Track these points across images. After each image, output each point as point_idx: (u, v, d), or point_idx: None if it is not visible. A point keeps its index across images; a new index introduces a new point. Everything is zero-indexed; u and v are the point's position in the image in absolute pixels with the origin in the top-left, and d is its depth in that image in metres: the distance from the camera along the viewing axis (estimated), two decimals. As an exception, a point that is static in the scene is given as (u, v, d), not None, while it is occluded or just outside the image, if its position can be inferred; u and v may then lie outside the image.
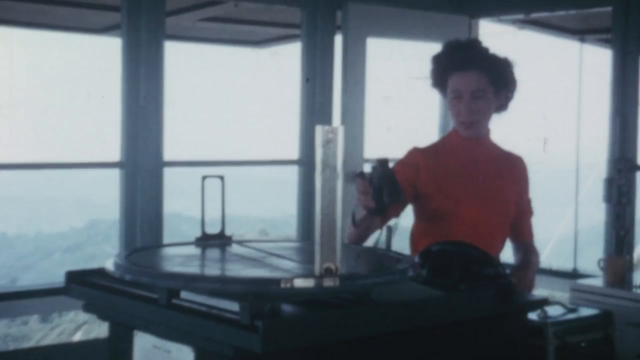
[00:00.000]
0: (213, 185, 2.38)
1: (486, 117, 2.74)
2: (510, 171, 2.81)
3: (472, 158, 2.76)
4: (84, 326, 13.08)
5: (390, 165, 2.18)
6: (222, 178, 2.32)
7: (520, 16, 5.12)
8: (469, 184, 2.72)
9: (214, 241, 2.32)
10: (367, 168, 2.16)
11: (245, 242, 2.39)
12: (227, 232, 2.38)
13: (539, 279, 3.01)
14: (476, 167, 2.75)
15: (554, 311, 2.67)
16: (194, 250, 2.25)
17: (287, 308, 1.81)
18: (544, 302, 2.21)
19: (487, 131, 2.80)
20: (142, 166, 3.97)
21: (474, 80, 2.67)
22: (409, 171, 2.71)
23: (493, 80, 2.70)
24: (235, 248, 2.32)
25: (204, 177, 2.30)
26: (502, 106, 2.78)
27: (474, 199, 2.69)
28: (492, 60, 2.72)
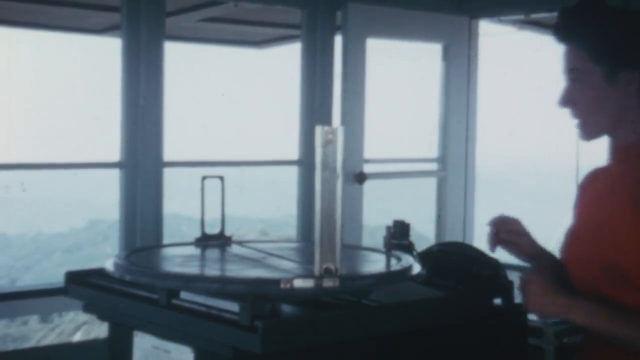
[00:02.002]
0: (213, 185, 2.38)
1: (593, 110, 1.90)
2: None
3: (609, 181, 1.95)
4: (83, 326, 13.09)
5: None
6: (221, 178, 2.32)
7: (521, 16, 5.12)
8: (583, 222, 2.00)
9: (214, 242, 2.32)
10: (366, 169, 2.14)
11: (244, 242, 2.39)
12: (227, 233, 2.38)
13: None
14: (609, 196, 1.92)
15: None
16: (193, 250, 2.25)
17: (286, 308, 1.81)
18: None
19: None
20: (142, 166, 3.97)
21: (569, 56, 1.94)
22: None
23: (597, 56, 1.88)
24: (235, 248, 2.32)
25: (203, 178, 2.30)
26: None
27: (577, 242, 1.99)
28: (603, 27, 1.91)
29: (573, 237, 1.99)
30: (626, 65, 1.86)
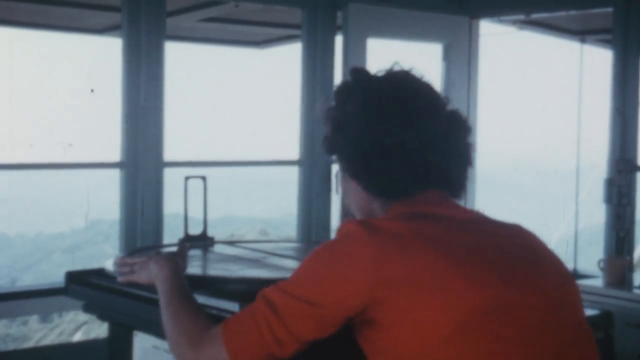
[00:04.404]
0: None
1: (352, 205, 1.74)
2: None
3: None
4: (83, 326, 13.08)
5: None
6: (204, 178, 2.33)
7: (521, 16, 5.12)
8: None
9: (197, 242, 2.32)
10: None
11: (229, 242, 2.40)
12: (226, 232, 2.38)
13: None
14: None
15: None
16: (193, 250, 2.25)
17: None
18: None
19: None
20: (142, 166, 3.97)
21: None
22: None
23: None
24: (235, 249, 2.32)
25: (186, 178, 2.31)
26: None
27: None
28: (334, 110, 1.70)
29: None
30: (336, 152, 1.69)
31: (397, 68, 1.70)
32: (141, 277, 1.82)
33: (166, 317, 1.64)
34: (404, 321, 1.44)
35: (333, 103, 1.68)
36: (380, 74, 1.69)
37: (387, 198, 1.62)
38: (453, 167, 1.64)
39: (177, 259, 1.81)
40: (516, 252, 1.57)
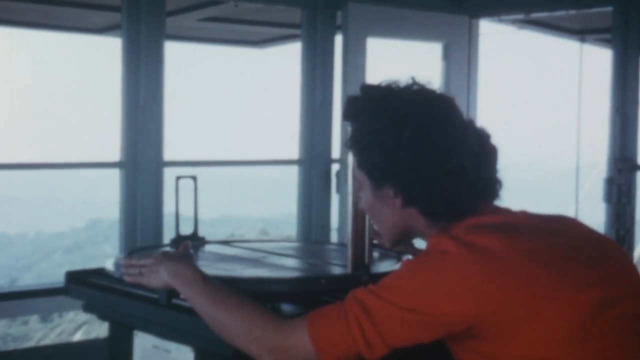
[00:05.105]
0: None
1: (377, 223, 1.73)
2: None
3: None
4: (83, 326, 13.09)
5: None
6: (194, 178, 2.32)
7: (521, 16, 5.12)
8: None
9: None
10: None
11: (220, 242, 2.40)
12: (226, 231, 2.38)
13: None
14: None
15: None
16: (193, 250, 2.25)
17: (287, 308, 1.81)
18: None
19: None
20: (142, 166, 3.97)
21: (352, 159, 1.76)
22: None
23: (359, 163, 1.67)
24: (234, 249, 2.32)
25: (177, 178, 2.30)
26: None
27: None
28: (359, 128, 1.66)
29: None
30: (384, 179, 1.63)
31: (412, 83, 1.67)
32: (152, 281, 1.78)
33: (224, 313, 1.62)
34: (515, 334, 1.48)
35: (373, 126, 1.61)
36: (410, 91, 1.64)
37: (447, 220, 1.62)
38: (492, 174, 1.67)
39: (187, 260, 1.79)
40: (589, 245, 1.63)
